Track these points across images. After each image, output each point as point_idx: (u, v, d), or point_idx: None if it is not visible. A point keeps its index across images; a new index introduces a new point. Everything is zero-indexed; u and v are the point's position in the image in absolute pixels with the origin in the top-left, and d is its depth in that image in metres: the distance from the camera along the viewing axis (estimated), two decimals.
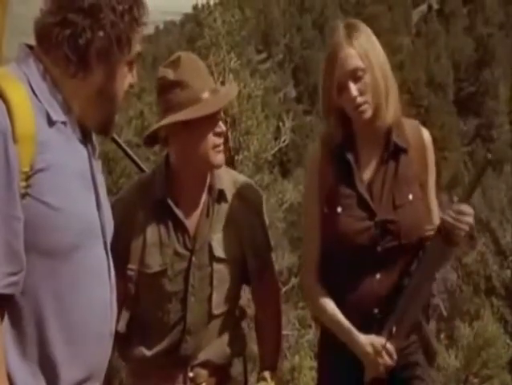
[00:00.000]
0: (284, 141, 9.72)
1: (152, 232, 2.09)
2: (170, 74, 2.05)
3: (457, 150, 54.70)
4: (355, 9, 77.39)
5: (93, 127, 1.65)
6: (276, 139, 9.53)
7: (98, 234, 1.62)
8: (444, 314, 2.55)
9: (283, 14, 78.01)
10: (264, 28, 71.71)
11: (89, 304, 1.58)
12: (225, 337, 2.13)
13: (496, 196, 15.55)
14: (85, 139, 1.63)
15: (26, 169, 1.47)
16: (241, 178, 2.26)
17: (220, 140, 2.07)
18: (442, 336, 7.32)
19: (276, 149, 9.59)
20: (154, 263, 2.06)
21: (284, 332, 8.32)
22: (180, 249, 2.08)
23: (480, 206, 12.40)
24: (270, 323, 2.26)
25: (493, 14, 69.01)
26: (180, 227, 2.09)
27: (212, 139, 2.05)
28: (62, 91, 1.58)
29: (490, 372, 7.25)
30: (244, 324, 2.24)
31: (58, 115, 1.56)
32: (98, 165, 1.68)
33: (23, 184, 1.47)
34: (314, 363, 8.84)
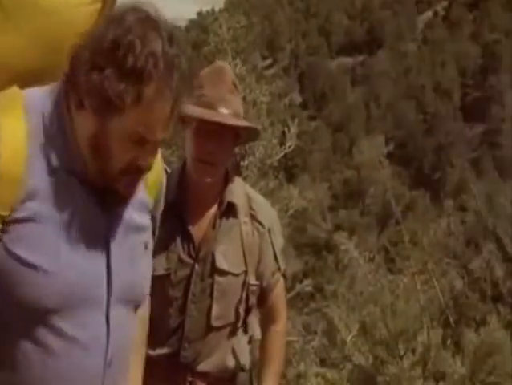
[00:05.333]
0: (289, 147, 9.71)
1: (159, 236, 2.08)
2: (204, 72, 2.13)
3: (463, 156, 54.62)
4: (361, 15, 77.45)
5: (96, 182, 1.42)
6: (281, 144, 9.52)
7: (95, 301, 1.39)
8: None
9: (289, 19, 78.10)
10: (269, 34, 71.79)
11: (67, 375, 1.37)
12: (226, 350, 2.12)
13: (502, 202, 15.52)
14: (104, 194, 1.41)
15: (4, 213, 1.30)
16: (256, 195, 2.24)
17: (203, 157, 2.05)
18: (448, 342, 7.29)
19: (281, 155, 9.58)
20: (159, 266, 2.05)
21: (289, 338, 8.30)
22: (184, 257, 2.08)
23: (485, 213, 12.37)
24: (272, 344, 2.23)
25: (499, 20, 68.97)
26: (185, 234, 2.09)
27: (195, 152, 2.06)
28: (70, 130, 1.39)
29: (497, 379, 7.21)
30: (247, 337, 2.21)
31: (62, 161, 1.37)
32: (125, 224, 1.45)
33: None
34: (320, 370, 8.82)
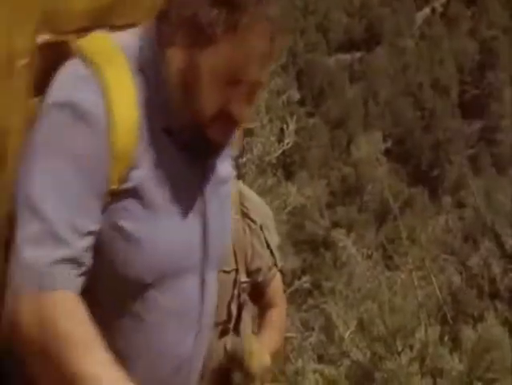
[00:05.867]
0: (287, 144, 9.71)
1: None
2: None
3: (462, 153, 54.58)
4: (360, 12, 77.37)
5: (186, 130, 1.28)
6: (279, 141, 9.52)
7: (192, 268, 1.32)
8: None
9: (287, 16, 77.97)
10: None
11: (161, 349, 1.30)
12: (218, 349, 2.11)
13: (500, 199, 15.54)
14: (196, 152, 1.31)
15: (114, 186, 1.22)
16: (250, 193, 2.21)
17: None
18: (446, 339, 7.30)
19: (279, 152, 9.58)
20: None
21: (287, 335, 8.31)
22: None
23: (484, 209, 12.38)
24: (267, 320, 2.19)
25: (497, 16, 68.93)
26: None
27: None
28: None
29: (494, 375, 7.23)
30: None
31: (159, 119, 1.27)
32: (216, 181, 1.36)
33: (106, 199, 1.22)
34: (318, 366, 8.83)
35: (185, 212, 1.30)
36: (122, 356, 1.26)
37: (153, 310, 1.29)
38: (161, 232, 1.27)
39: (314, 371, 8.93)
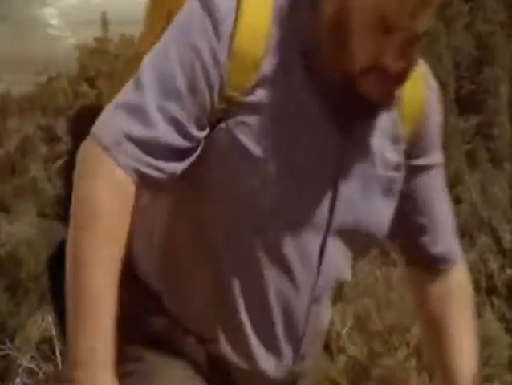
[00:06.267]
0: None
1: None
2: None
3: (458, 148, 54.66)
4: None
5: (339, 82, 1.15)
6: None
7: (313, 223, 1.18)
8: None
9: None
10: None
11: (273, 306, 1.19)
12: None
13: (497, 194, 15.54)
14: (342, 106, 1.17)
15: (233, 94, 1.14)
16: None
17: None
18: None
19: None
20: None
21: None
22: None
23: (481, 205, 12.38)
24: None
25: (494, 12, 68.98)
26: None
27: None
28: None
29: (491, 371, 7.24)
30: None
31: (300, 54, 1.17)
32: (363, 148, 1.21)
33: (222, 106, 1.14)
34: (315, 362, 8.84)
35: (312, 164, 1.18)
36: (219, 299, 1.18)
37: (262, 249, 1.17)
38: (279, 163, 1.15)
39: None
